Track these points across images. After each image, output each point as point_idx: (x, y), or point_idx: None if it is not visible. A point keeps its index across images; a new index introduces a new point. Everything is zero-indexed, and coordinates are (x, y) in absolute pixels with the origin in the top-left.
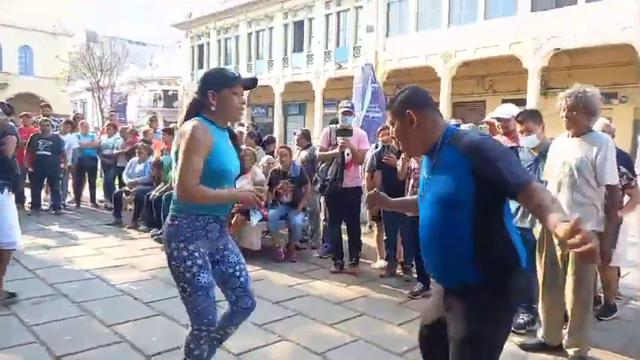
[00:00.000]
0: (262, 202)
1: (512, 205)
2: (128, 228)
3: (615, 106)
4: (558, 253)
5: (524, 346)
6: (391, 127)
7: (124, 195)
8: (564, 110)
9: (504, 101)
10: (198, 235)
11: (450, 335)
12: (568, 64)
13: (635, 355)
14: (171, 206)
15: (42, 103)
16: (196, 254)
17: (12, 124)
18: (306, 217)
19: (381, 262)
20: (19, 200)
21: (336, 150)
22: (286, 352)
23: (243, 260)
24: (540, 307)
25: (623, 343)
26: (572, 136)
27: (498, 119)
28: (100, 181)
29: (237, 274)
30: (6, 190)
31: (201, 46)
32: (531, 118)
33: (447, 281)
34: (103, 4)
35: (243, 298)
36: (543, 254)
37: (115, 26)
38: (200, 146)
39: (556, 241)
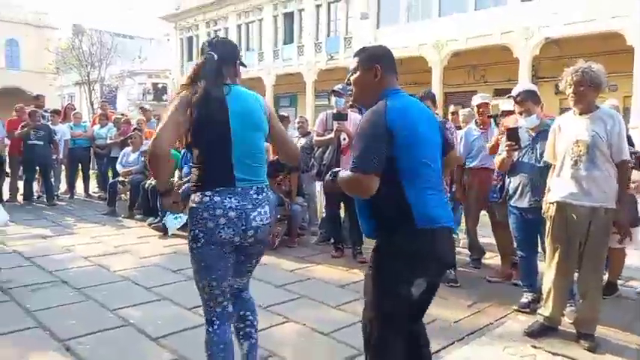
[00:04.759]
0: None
1: (511, 185)
2: (124, 217)
3: (605, 94)
4: (577, 231)
5: (531, 334)
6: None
7: (119, 185)
8: (571, 86)
9: (496, 90)
10: None
11: None
12: (558, 54)
13: None
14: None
15: (35, 94)
16: None
17: None
18: (304, 203)
19: None
20: (12, 191)
21: (332, 135)
22: (293, 332)
23: None
24: (547, 288)
25: (628, 320)
26: (580, 114)
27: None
28: (92, 172)
29: None
30: None
31: (190, 39)
32: (530, 99)
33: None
34: None
35: None
36: (554, 233)
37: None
38: None
39: (573, 217)
